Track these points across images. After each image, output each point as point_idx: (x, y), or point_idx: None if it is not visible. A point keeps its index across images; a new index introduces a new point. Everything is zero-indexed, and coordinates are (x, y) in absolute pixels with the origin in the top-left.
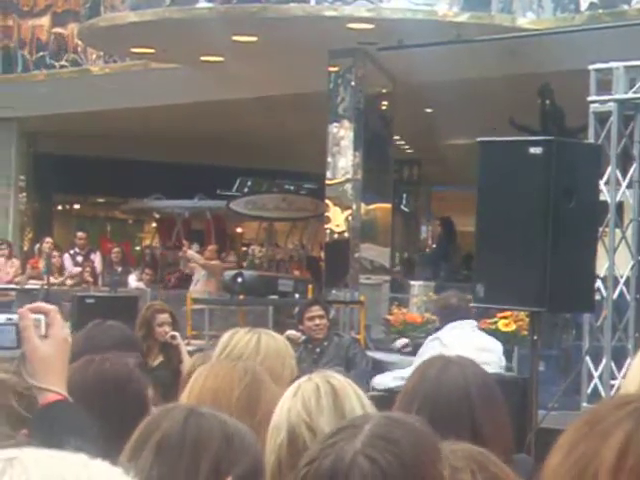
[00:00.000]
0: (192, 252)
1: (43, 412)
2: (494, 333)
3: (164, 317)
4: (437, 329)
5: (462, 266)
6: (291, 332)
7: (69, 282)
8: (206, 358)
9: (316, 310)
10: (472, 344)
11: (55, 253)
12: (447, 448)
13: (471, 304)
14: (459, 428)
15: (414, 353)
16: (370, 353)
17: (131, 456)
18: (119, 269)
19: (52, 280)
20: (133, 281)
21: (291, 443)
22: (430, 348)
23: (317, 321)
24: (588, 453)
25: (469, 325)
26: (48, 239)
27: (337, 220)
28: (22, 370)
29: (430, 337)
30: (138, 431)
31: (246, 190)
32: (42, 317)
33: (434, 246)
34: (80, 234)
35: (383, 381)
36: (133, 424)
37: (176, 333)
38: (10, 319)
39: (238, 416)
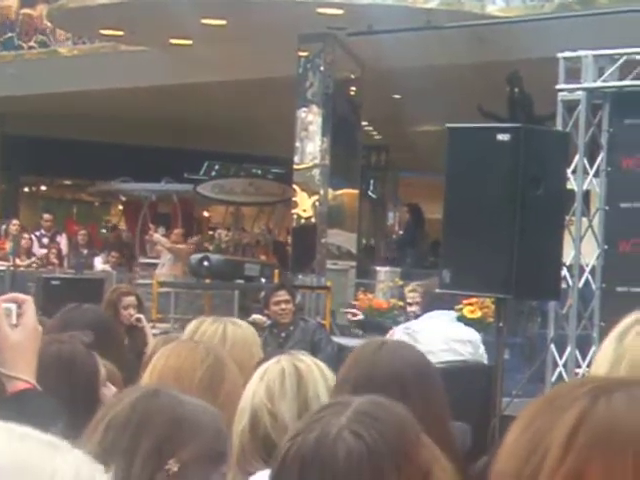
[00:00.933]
0: (158, 236)
1: (11, 400)
2: (460, 320)
3: (130, 300)
4: (418, 316)
5: (429, 253)
6: (257, 316)
7: (35, 265)
8: (168, 340)
9: (282, 295)
10: (446, 336)
11: (25, 235)
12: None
13: (436, 290)
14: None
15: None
16: (335, 338)
17: (88, 435)
18: (85, 251)
19: (18, 262)
20: (99, 264)
21: (252, 427)
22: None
23: (283, 306)
24: (542, 429)
25: (447, 316)
26: (15, 221)
27: (304, 205)
28: None
29: (403, 326)
30: (97, 414)
31: (213, 174)
32: (13, 306)
33: (401, 232)
34: (46, 216)
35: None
36: (82, 404)
37: (141, 316)
38: None
39: (200, 396)
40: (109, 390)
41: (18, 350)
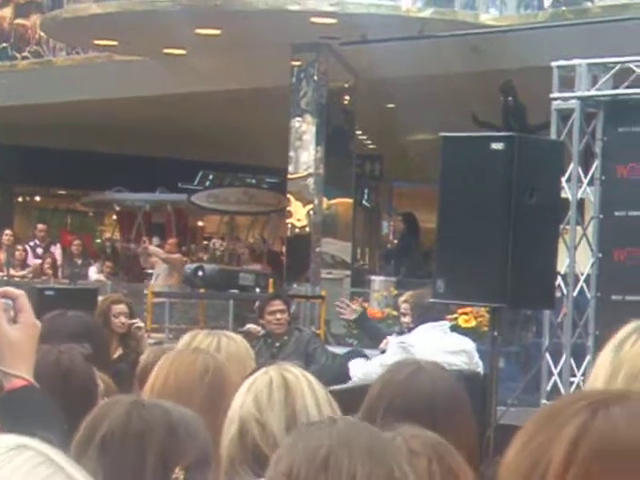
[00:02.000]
0: (153, 247)
1: (9, 397)
2: (455, 329)
3: (121, 308)
4: (410, 329)
5: (421, 263)
6: (251, 325)
7: (29, 275)
8: (159, 352)
9: (277, 304)
10: (441, 348)
11: (19, 246)
12: (409, 432)
13: (431, 299)
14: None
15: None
16: (330, 348)
17: (77, 454)
18: (79, 261)
19: (13, 272)
20: (93, 273)
21: (241, 437)
22: (396, 352)
23: (278, 315)
24: (542, 445)
25: (440, 328)
26: (8, 231)
27: (298, 214)
28: None
29: (398, 339)
30: (83, 427)
31: (208, 183)
32: (10, 302)
33: (396, 242)
34: (40, 226)
35: (368, 369)
36: (78, 416)
37: (142, 324)
38: None
39: (202, 415)
40: None
41: (17, 347)
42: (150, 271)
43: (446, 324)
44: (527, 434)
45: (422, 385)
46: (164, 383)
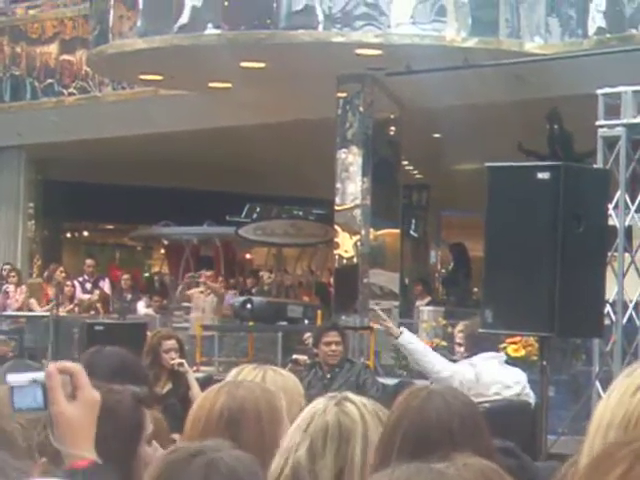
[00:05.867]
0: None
1: (71, 475)
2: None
3: (171, 343)
4: (466, 358)
5: (470, 293)
6: (298, 356)
7: (77, 309)
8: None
9: (334, 336)
10: (498, 380)
11: (68, 282)
12: (461, 461)
13: (479, 330)
14: (440, 460)
15: None
16: (380, 379)
17: None
18: (128, 296)
19: (61, 308)
20: (142, 307)
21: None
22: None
23: (334, 347)
24: None
25: (497, 359)
26: (60, 268)
27: (346, 246)
28: (49, 433)
29: (468, 360)
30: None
31: (255, 216)
32: (67, 377)
33: (444, 271)
34: (89, 261)
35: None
36: (114, 456)
37: (183, 361)
38: (35, 380)
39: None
40: (154, 450)
41: (76, 425)
42: (186, 304)
43: (502, 356)
44: None
45: (437, 407)
46: (215, 414)
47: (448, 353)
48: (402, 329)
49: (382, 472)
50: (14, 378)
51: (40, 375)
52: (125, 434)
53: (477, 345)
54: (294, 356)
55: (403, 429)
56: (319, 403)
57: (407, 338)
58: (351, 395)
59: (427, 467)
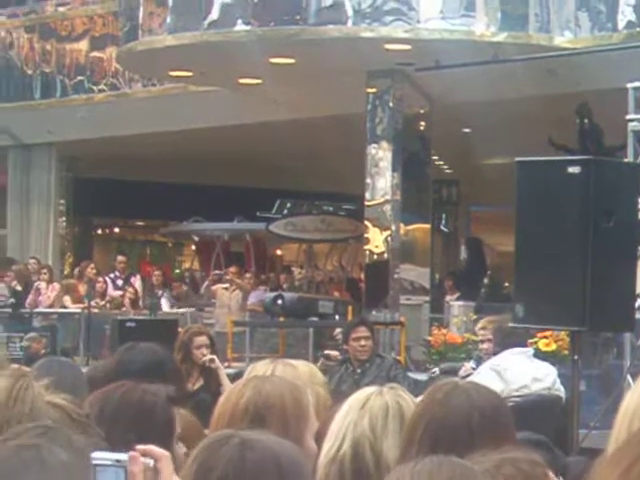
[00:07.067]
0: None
1: None
2: (535, 354)
3: (202, 340)
4: (495, 353)
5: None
6: (330, 352)
7: (109, 306)
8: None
9: (362, 331)
10: (529, 374)
11: (100, 279)
12: (496, 458)
13: (510, 324)
14: (458, 454)
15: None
16: (411, 374)
17: None
18: (160, 292)
19: (93, 304)
20: (165, 304)
21: (354, 459)
22: (488, 375)
23: (363, 342)
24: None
25: (525, 354)
26: (92, 264)
27: (376, 241)
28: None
29: (489, 363)
30: (194, 467)
31: (285, 212)
32: (151, 461)
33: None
34: (120, 258)
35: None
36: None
37: (214, 356)
38: (119, 461)
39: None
40: (179, 449)
41: None
42: (213, 300)
43: (530, 350)
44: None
45: (459, 401)
46: (240, 409)
47: (478, 347)
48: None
49: (404, 465)
50: (98, 456)
51: (124, 457)
52: (160, 434)
53: (506, 341)
54: (326, 351)
55: (425, 422)
56: (369, 388)
57: None
58: (398, 386)
59: (449, 460)
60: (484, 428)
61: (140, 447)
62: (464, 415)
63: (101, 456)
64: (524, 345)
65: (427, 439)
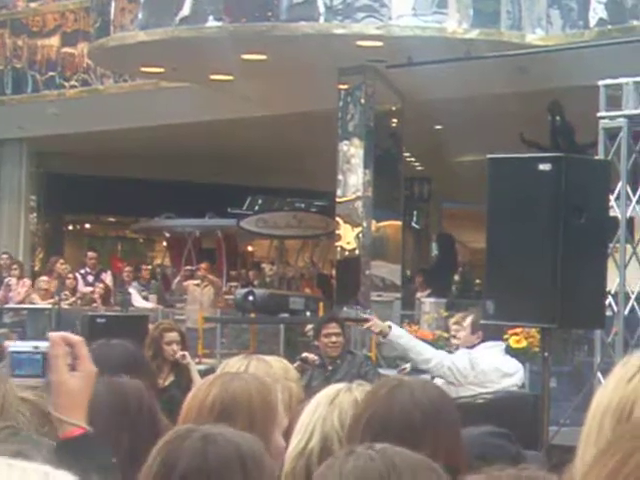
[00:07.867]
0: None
1: (66, 445)
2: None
3: (172, 335)
4: (471, 347)
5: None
6: (308, 354)
7: (79, 302)
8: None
9: (333, 327)
10: (498, 369)
11: (70, 275)
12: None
13: (480, 321)
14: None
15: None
16: (382, 370)
17: None
18: (130, 288)
19: (63, 296)
20: (135, 294)
21: (322, 452)
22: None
23: (333, 338)
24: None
25: (499, 347)
26: (61, 260)
27: (348, 237)
28: (46, 400)
29: (466, 349)
30: (157, 463)
31: (257, 208)
32: (68, 348)
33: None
34: (91, 254)
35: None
36: (146, 443)
37: (185, 352)
38: (37, 347)
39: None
40: None
41: (74, 395)
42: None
43: (503, 344)
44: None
45: (402, 398)
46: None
47: (449, 344)
48: (389, 323)
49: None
50: (15, 344)
51: (42, 344)
52: (154, 421)
53: (485, 335)
54: (304, 354)
55: (366, 418)
56: (338, 385)
57: (396, 333)
58: (366, 383)
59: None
60: (426, 425)
61: (55, 334)
62: (406, 412)
63: (18, 345)
64: (500, 340)
65: (368, 435)
